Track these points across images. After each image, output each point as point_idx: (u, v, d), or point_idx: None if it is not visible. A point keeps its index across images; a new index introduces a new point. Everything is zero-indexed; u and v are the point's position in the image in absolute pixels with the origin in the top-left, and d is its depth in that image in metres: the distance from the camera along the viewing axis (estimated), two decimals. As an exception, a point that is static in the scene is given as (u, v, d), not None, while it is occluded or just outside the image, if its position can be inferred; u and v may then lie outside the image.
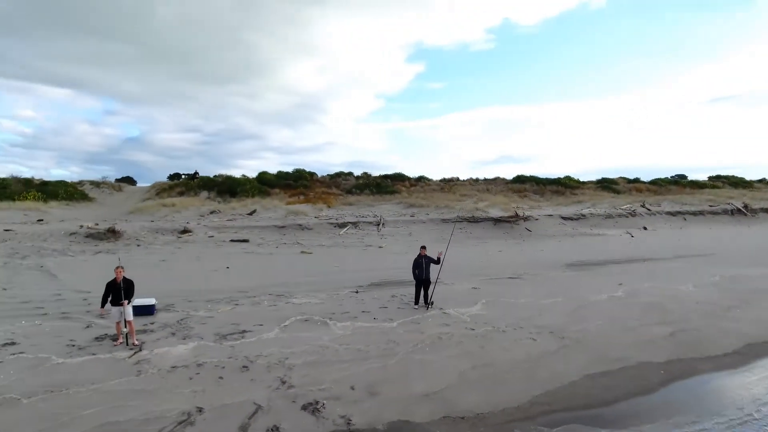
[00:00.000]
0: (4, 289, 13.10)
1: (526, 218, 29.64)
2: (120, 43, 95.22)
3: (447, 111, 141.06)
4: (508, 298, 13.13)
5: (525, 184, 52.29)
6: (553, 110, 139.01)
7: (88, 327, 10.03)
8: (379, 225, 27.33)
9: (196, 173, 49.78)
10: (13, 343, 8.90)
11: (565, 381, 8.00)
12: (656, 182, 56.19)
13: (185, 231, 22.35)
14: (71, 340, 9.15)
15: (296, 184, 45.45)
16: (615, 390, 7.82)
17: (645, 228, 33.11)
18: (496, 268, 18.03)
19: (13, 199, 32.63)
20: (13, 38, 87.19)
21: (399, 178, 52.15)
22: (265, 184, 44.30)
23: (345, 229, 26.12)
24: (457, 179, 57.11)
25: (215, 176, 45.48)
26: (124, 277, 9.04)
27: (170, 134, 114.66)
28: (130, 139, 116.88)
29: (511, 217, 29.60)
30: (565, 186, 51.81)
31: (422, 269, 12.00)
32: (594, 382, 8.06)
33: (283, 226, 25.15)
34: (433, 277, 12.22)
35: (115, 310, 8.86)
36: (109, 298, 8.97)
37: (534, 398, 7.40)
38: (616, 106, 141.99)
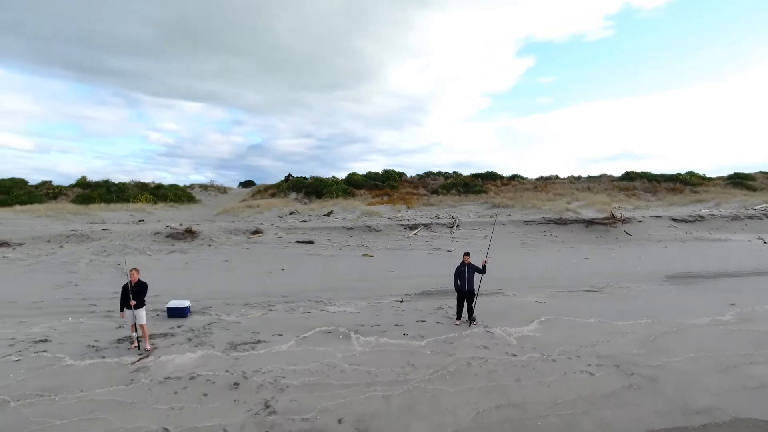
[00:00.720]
0: (76, 285, 14.17)
1: (624, 220, 25.80)
2: (242, 58, 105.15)
3: (558, 106, 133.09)
4: (574, 317, 11.01)
5: (635, 182, 46.53)
6: (679, 98, 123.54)
7: (119, 327, 10.19)
8: (452, 227, 25.69)
9: (289, 175, 52.28)
10: (44, 341, 9.25)
11: (617, 437, 6.08)
12: (807, 176, 46.49)
13: (256, 232, 22.92)
14: (95, 341, 9.28)
15: (383, 184, 45.42)
16: (689, 458, 5.75)
17: (786, 232, 27.10)
18: (575, 279, 15.60)
19: (128, 201, 36.73)
20: (157, 61, 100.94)
21: (490, 177, 49.66)
22: (352, 185, 44.92)
23: (416, 231, 24.94)
24: (556, 177, 52.83)
25: (308, 178, 47.26)
26: (138, 280, 8.95)
27: (287, 140, 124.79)
28: (254, 146, 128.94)
29: (606, 218, 25.95)
30: (685, 183, 45.07)
31: (465, 279, 10.45)
32: (659, 442, 6.03)
33: (351, 228, 24.74)
34: (476, 287, 10.61)
35: (128, 313, 8.78)
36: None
37: (566, 459, 5.67)
38: (758, 86, 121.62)
